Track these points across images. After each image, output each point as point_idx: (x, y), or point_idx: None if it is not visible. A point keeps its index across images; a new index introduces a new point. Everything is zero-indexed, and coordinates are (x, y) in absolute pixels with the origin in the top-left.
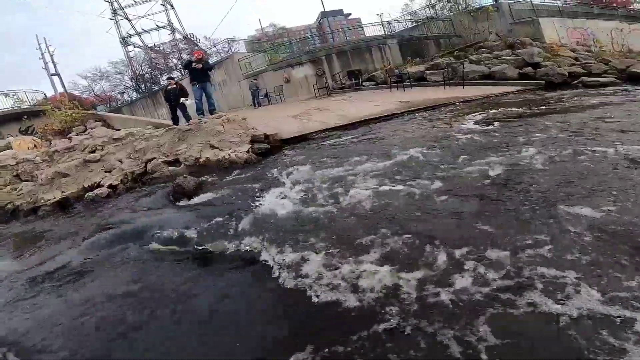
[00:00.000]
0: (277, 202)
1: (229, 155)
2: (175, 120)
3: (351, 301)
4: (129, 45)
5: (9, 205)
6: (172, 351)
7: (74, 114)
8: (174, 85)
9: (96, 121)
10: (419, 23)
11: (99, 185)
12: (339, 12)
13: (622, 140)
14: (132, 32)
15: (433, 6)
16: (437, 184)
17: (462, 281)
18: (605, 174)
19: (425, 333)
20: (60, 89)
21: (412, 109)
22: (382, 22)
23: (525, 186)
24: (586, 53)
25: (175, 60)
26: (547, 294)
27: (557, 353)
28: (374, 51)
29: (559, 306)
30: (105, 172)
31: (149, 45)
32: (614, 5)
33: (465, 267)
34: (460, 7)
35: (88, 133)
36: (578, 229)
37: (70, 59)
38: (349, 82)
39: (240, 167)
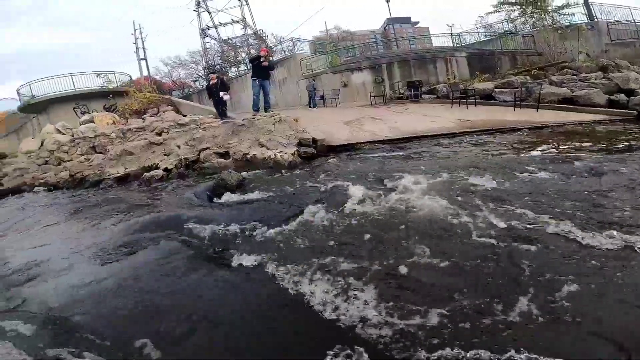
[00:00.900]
0: (309, 218)
1: (275, 155)
2: (221, 114)
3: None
4: (206, 37)
5: (78, 175)
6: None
7: (150, 97)
8: (215, 80)
9: (168, 105)
10: (494, 37)
11: (156, 167)
12: (407, 20)
13: None
14: (210, 24)
15: (513, 20)
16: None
17: None
18: None
19: None
20: (145, 73)
21: (473, 129)
22: (451, 32)
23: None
24: None
25: (244, 55)
26: None
27: None
28: (439, 63)
29: None
30: (165, 155)
31: (223, 39)
32: None
33: None
34: (545, 23)
35: (159, 116)
36: None
37: (156, 45)
38: (407, 93)
39: (284, 169)
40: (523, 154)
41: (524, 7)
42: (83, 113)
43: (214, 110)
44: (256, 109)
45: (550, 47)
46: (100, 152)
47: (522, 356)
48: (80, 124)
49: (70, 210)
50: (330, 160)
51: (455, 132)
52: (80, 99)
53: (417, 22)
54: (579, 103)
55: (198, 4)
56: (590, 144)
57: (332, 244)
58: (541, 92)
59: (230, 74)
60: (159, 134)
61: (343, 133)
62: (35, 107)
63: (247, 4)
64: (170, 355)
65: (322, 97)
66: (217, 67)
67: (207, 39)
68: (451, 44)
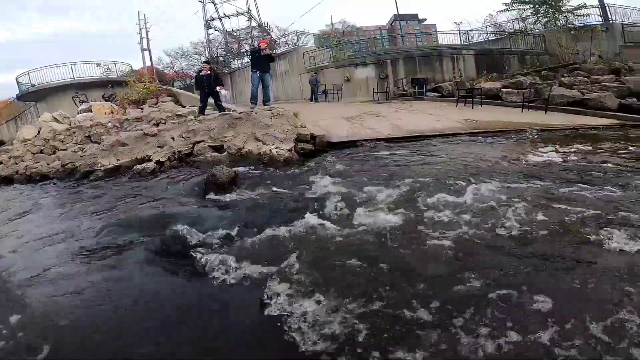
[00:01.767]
0: (299, 225)
1: (271, 150)
2: (203, 109)
3: None
4: (210, 28)
5: (69, 165)
6: None
7: (150, 87)
8: (208, 72)
9: (167, 96)
10: (504, 36)
11: (148, 160)
12: (414, 17)
13: None
14: (215, 15)
15: (524, 19)
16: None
17: None
18: None
19: None
20: (148, 63)
21: (478, 130)
22: (459, 30)
23: None
24: None
25: (247, 47)
26: None
27: None
28: (446, 60)
29: None
30: (158, 147)
31: (228, 30)
32: None
33: None
34: (558, 23)
35: (158, 106)
36: None
37: (159, 36)
38: (411, 90)
39: (279, 166)
40: (532, 160)
41: (537, 6)
42: (82, 102)
43: (199, 104)
44: (254, 102)
45: (561, 47)
46: (96, 142)
47: None
48: (78, 113)
49: (49, 205)
50: (328, 159)
51: (460, 132)
52: (79, 88)
53: (425, 20)
54: (589, 106)
55: None
56: (608, 154)
57: (309, 256)
58: (550, 93)
59: (232, 66)
60: (157, 125)
61: (344, 129)
62: (34, 96)
63: None
64: None
65: (325, 92)
66: (221, 58)
67: (211, 30)
68: (459, 42)
